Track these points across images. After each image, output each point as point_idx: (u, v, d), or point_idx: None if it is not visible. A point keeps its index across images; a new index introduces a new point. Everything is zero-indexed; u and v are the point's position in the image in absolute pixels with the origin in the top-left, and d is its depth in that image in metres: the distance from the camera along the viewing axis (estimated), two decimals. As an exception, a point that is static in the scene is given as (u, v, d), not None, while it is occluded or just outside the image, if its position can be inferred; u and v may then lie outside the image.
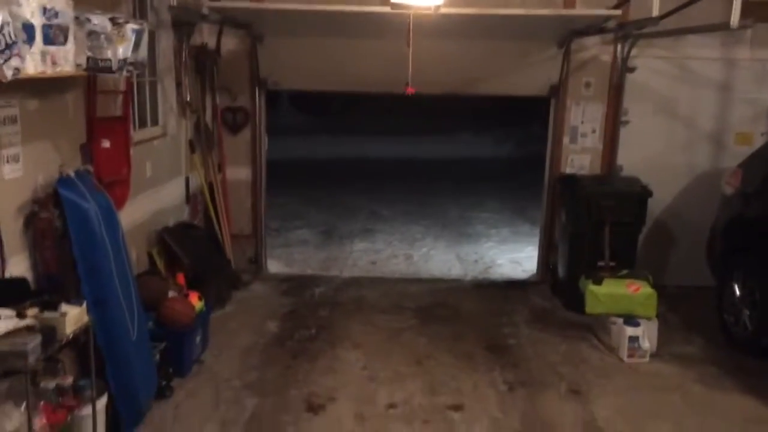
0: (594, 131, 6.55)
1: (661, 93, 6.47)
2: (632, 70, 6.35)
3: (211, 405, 4.31)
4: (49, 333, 3.12)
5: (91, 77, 4.08)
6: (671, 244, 6.71)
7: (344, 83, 6.67)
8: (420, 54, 5.46)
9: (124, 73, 3.79)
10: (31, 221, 3.67)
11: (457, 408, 4.35)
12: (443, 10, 5.11)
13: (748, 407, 4.46)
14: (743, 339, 5.25)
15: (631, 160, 6.52)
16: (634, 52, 6.25)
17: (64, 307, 3.30)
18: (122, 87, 4.57)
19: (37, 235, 3.69)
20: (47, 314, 3.23)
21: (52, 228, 3.68)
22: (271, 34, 6.42)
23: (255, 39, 6.43)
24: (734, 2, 4.30)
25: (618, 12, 5.60)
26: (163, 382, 4.33)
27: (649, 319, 5.18)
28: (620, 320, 5.16)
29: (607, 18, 5.72)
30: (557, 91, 6.53)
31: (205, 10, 5.41)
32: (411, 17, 5.03)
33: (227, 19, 6.06)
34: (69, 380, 3.38)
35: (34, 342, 2.99)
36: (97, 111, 4.26)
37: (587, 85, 6.48)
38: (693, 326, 5.77)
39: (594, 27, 6.01)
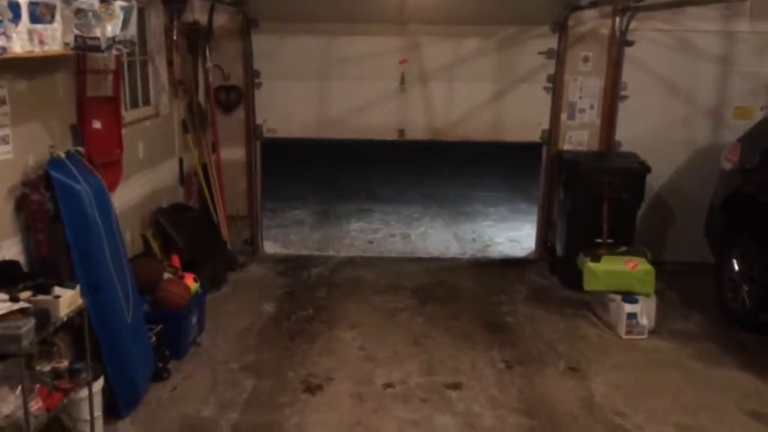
0: (592, 107, 6.49)
1: (660, 67, 6.40)
2: (631, 43, 6.27)
3: (208, 387, 4.29)
4: (42, 316, 3.10)
5: (80, 56, 4.02)
6: (670, 220, 6.68)
7: (340, 131, 6.71)
8: (413, 101, 6.27)
9: (114, 51, 3.71)
10: (22, 204, 3.63)
11: (455, 387, 4.34)
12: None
13: (746, 382, 4.46)
14: (741, 315, 5.24)
15: (629, 135, 6.47)
16: (633, 25, 6.16)
17: (58, 290, 3.27)
18: (112, 66, 4.49)
19: (29, 218, 3.65)
20: (40, 297, 3.21)
21: (44, 210, 3.64)
22: (268, 77, 6.50)
23: (253, 84, 6.51)
24: (734, -27, 4.23)
25: None
26: (160, 365, 4.31)
27: (647, 295, 5.16)
28: (618, 297, 5.14)
29: None
30: (549, 137, 6.58)
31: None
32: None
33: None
34: (64, 363, 3.36)
35: (28, 325, 2.96)
36: (87, 91, 4.19)
37: (585, 59, 6.40)
38: (691, 303, 5.76)
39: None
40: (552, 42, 6.40)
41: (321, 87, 6.53)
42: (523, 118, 6.57)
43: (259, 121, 6.62)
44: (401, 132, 6.63)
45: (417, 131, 6.64)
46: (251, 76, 6.51)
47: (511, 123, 6.60)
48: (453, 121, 6.62)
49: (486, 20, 6.33)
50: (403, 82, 6.26)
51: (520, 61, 6.44)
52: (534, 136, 6.62)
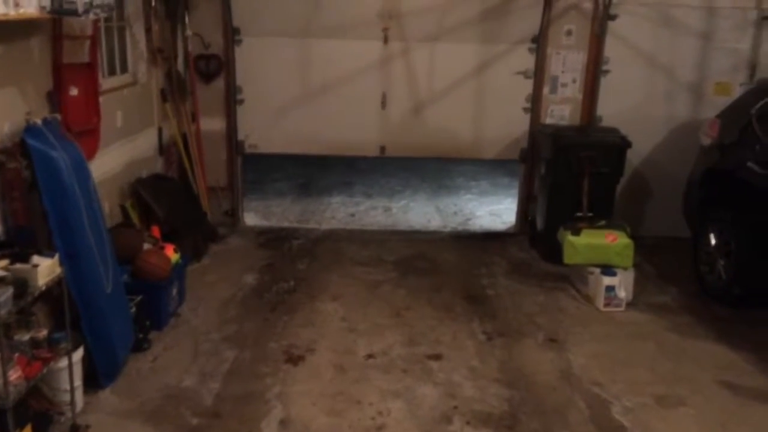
0: (574, 81, 6.49)
1: (642, 42, 6.40)
2: (614, 17, 6.27)
3: (189, 357, 4.28)
4: (20, 285, 3.06)
5: (57, 20, 3.91)
6: (648, 195, 6.75)
7: (321, 147, 6.82)
8: (395, 119, 6.54)
9: (91, 15, 3.63)
10: (-2, 171, 3.55)
11: (436, 357, 4.38)
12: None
13: (720, 354, 4.55)
14: (717, 288, 5.33)
15: (610, 110, 6.49)
16: (616, -1, 6.16)
17: (36, 259, 3.23)
18: (89, 31, 4.38)
19: (5, 186, 3.58)
20: (18, 266, 3.16)
21: (21, 178, 3.58)
22: (250, 94, 6.53)
23: (236, 103, 6.56)
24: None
25: None
26: (140, 335, 4.29)
27: (625, 269, 5.22)
28: (597, 270, 5.20)
29: None
30: (527, 155, 6.68)
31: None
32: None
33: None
34: (43, 333, 3.32)
35: (5, 294, 2.93)
36: (63, 57, 4.09)
37: (568, 33, 6.39)
38: (668, 276, 5.85)
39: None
40: (529, 62, 6.48)
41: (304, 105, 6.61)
42: (501, 136, 6.70)
43: (241, 137, 6.66)
44: (382, 149, 6.76)
45: (397, 148, 6.77)
46: (231, 43, 6.40)
47: (490, 141, 6.74)
48: (433, 139, 6.73)
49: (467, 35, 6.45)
50: (384, 101, 6.51)
51: (499, 82, 6.54)
52: (513, 154, 6.77)
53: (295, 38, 6.39)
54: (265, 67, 6.46)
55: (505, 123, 6.64)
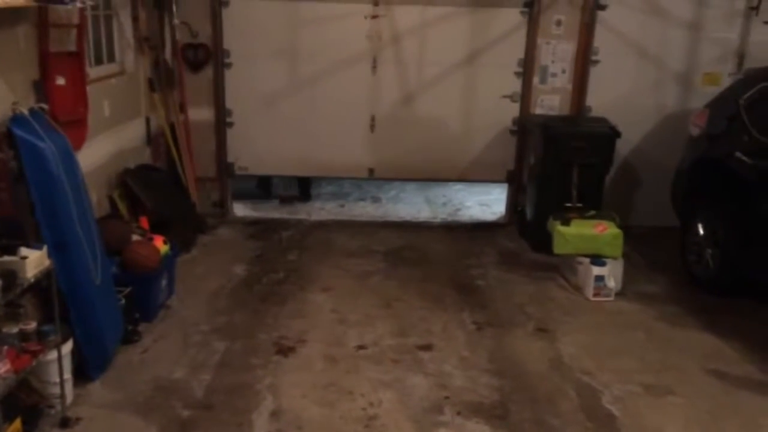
0: (564, 71, 6.49)
1: (631, 32, 6.40)
2: (604, 7, 6.27)
3: (179, 349, 4.26)
4: (9, 277, 3.03)
5: (43, 8, 3.86)
6: (637, 185, 6.78)
7: (310, 169, 6.92)
8: (383, 142, 6.65)
9: (77, 3, 3.59)
10: (-17, 162, 3.51)
11: (427, 348, 4.39)
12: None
13: (708, 343, 4.59)
14: (705, 278, 5.37)
15: (600, 100, 6.50)
16: (605, -12, 6.17)
17: (24, 251, 3.19)
18: (76, 20, 4.32)
19: (-9, 177, 3.54)
20: (6, 258, 3.13)
21: (7, 169, 3.53)
22: (241, 118, 6.56)
23: (226, 126, 6.58)
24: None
25: None
26: (130, 327, 4.26)
27: (614, 258, 5.24)
28: (587, 260, 5.22)
29: None
30: (513, 176, 6.77)
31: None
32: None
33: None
34: (32, 325, 3.29)
35: (-7, 287, 2.89)
36: (50, 46, 4.04)
37: (558, 23, 6.38)
38: (657, 266, 5.89)
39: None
40: (516, 85, 6.54)
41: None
42: (488, 160, 6.76)
43: (231, 159, 6.68)
44: (371, 171, 6.81)
45: (385, 170, 6.84)
46: (220, 34, 6.35)
47: (476, 164, 6.80)
48: (420, 162, 6.78)
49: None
50: (372, 123, 6.58)
51: (486, 105, 6.60)
52: (500, 176, 6.86)
53: (285, 60, 6.44)
54: (254, 88, 6.48)
55: (492, 146, 6.72)
